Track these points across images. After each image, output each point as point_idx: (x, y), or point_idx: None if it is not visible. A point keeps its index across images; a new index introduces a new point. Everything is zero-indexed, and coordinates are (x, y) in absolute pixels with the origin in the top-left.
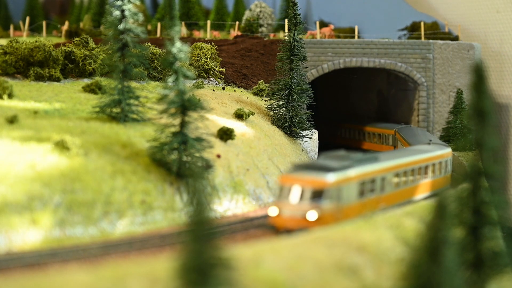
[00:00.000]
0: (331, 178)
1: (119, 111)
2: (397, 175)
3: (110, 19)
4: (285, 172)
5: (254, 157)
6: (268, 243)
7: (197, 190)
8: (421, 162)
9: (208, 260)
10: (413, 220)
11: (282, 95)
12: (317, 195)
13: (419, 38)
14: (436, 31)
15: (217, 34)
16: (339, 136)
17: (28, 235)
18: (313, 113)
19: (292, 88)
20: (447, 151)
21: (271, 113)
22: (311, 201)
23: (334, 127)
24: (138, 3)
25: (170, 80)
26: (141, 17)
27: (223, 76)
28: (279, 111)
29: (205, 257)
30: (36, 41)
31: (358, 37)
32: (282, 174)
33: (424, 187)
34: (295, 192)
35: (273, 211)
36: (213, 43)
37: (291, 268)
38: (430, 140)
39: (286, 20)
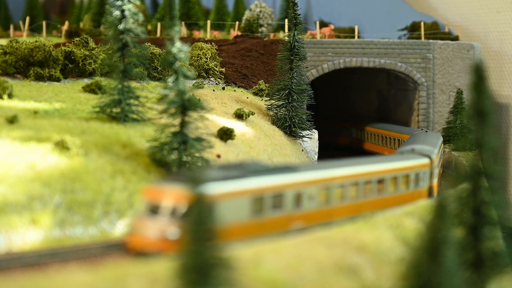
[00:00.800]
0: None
1: (119, 111)
2: (327, 189)
3: (110, 19)
4: (151, 183)
5: (254, 157)
6: (268, 243)
7: (197, 190)
8: (370, 175)
9: (208, 260)
10: (413, 220)
11: (282, 95)
12: (180, 210)
13: (419, 38)
14: (436, 31)
15: (217, 34)
16: (346, 138)
17: (28, 235)
18: (313, 113)
19: (292, 88)
20: (421, 162)
21: (271, 113)
22: (172, 218)
23: (347, 129)
24: (138, 3)
25: (170, 80)
26: (141, 17)
27: (223, 76)
28: (279, 111)
29: (205, 257)
30: (36, 41)
31: (358, 37)
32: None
33: (376, 203)
34: (156, 207)
35: (129, 230)
36: (213, 43)
37: (291, 268)
38: (412, 149)
39: (286, 20)
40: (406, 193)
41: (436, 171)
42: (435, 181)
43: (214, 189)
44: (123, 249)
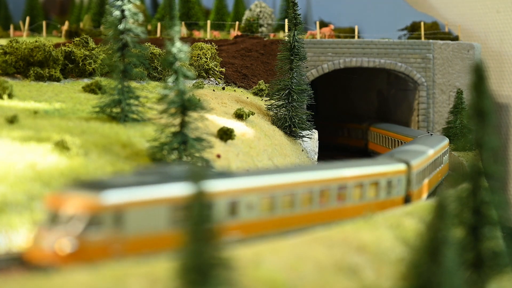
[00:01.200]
0: (106, 198)
1: (119, 111)
2: (272, 197)
3: (110, 19)
4: (54, 191)
5: (254, 157)
6: (268, 243)
7: (197, 189)
8: (327, 182)
9: (208, 260)
10: (413, 220)
11: (282, 95)
12: (80, 220)
13: (419, 38)
14: (436, 31)
15: (217, 34)
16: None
17: (28, 235)
18: (313, 113)
19: (292, 88)
20: (395, 168)
21: (271, 113)
22: (70, 228)
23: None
24: (138, 3)
25: (170, 80)
26: (141, 17)
27: (223, 76)
28: (279, 111)
29: (205, 257)
30: (36, 41)
31: (358, 37)
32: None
33: (336, 212)
34: (55, 217)
35: (26, 241)
36: (213, 43)
37: (291, 268)
38: (391, 154)
39: (286, 20)
40: (374, 202)
41: (419, 178)
42: (415, 189)
43: (123, 196)
44: (22, 262)
